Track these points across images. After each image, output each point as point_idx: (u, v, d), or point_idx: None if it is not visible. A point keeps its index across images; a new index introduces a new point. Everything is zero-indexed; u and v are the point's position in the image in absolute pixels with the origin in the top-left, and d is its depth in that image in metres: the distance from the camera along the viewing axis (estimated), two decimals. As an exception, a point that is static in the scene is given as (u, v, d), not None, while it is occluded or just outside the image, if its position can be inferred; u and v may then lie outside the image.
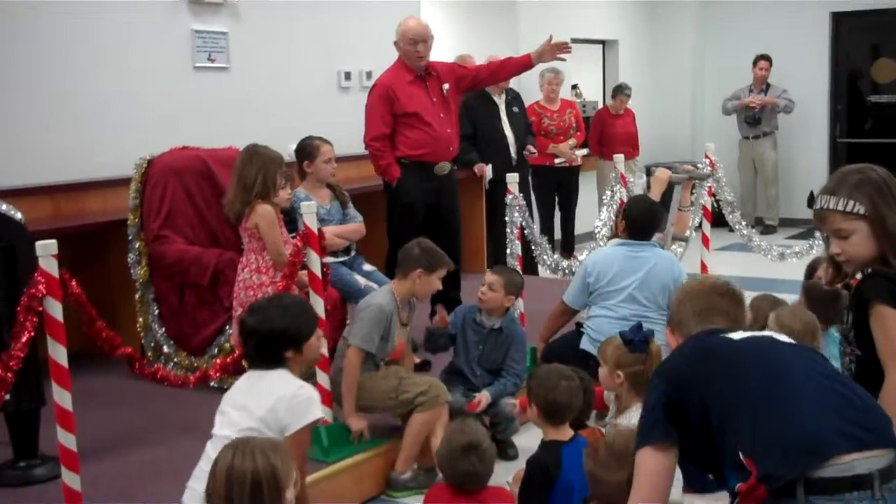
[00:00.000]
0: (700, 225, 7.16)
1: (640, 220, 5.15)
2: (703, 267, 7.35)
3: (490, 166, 7.89)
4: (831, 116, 12.15)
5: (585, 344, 4.97)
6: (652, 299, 4.94)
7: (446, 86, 6.09)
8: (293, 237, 4.70)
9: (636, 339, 3.89)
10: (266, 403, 3.16)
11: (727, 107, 11.57)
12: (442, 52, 8.23)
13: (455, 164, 6.19)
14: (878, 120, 12.18)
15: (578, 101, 10.61)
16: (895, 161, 10.53)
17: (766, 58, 11.47)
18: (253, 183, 4.67)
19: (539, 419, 3.65)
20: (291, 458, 2.63)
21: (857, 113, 12.24)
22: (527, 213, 5.88)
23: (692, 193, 6.79)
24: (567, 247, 9.39)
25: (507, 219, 5.70)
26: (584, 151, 9.66)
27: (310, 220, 4.25)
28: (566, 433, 3.61)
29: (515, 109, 8.42)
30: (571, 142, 9.20)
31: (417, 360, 5.16)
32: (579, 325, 5.25)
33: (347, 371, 4.32)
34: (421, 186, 5.85)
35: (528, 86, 9.46)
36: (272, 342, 3.28)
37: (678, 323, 2.73)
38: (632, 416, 3.72)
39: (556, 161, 9.06)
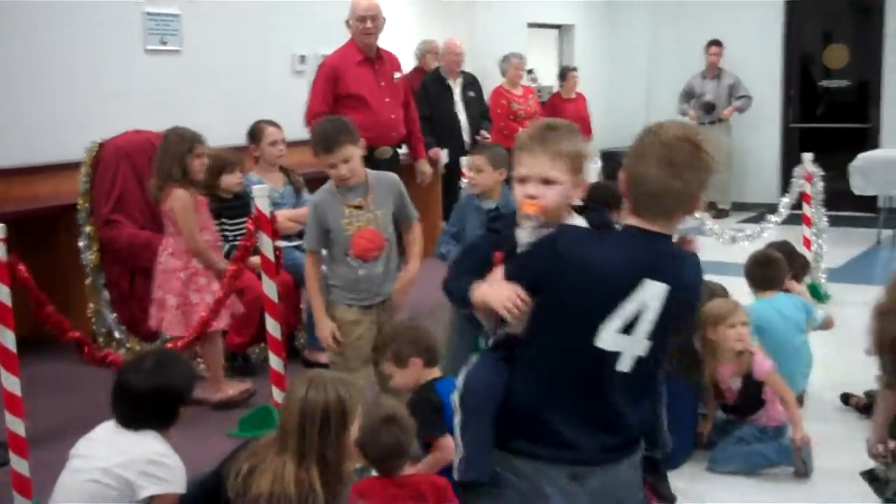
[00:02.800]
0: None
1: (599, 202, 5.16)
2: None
3: (446, 151, 7.91)
4: (784, 102, 12.27)
5: None
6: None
7: (398, 74, 6.09)
8: (244, 222, 4.68)
9: None
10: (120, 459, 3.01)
11: (681, 109, 11.65)
12: (399, 37, 8.22)
13: (398, 149, 6.19)
14: (829, 105, 12.33)
15: (534, 85, 10.63)
16: (846, 145, 10.86)
17: (718, 43, 11.57)
18: (167, 166, 4.65)
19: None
20: (359, 392, 2.91)
21: (810, 98, 12.38)
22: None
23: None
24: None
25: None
26: None
27: (261, 203, 4.23)
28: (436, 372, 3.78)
29: (471, 94, 8.42)
30: None
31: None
32: None
33: (306, 276, 4.22)
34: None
35: (483, 70, 9.47)
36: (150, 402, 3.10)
37: None
38: None
39: None
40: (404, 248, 4.37)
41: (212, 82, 7.21)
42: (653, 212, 2.31)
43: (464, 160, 5.73)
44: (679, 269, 2.31)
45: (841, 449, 4.44)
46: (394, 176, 4.28)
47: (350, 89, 5.87)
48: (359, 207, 4.07)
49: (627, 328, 2.27)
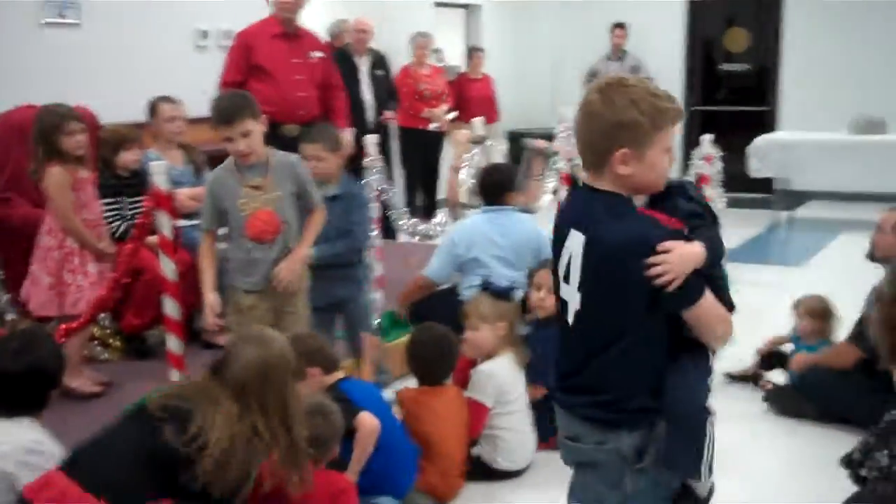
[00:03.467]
0: (556, 191, 7.29)
1: (493, 186, 5.23)
2: (560, 231, 7.50)
3: (349, 130, 7.86)
4: (686, 84, 12.50)
5: None
6: (521, 260, 5.04)
7: (318, 53, 6.04)
8: (142, 200, 4.60)
9: (503, 290, 4.42)
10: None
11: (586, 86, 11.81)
12: (311, 16, 8.13)
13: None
14: (730, 88, 12.60)
15: (441, 64, 10.63)
16: (745, 128, 11.11)
17: (622, 26, 11.73)
18: (40, 144, 4.50)
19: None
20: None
21: (711, 81, 12.64)
22: (385, 177, 5.89)
23: (547, 163, 6.90)
24: (429, 211, 9.44)
25: (363, 181, 5.70)
26: (455, 115, 9.71)
27: (159, 180, 4.17)
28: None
29: (379, 72, 8.39)
30: (444, 107, 9.24)
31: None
32: (454, 290, 5.28)
33: (200, 254, 4.10)
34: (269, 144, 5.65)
35: (397, 49, 9.44)
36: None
37: None
38: (494, 363, 4.28)
39: (431, 125, 9.07)
40: None
41: (112, 56, 7.05)
42: (585, 166, 2.40)
43: (367, 138, 5.74)
44: (604, 225, 2.29)
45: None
46: (296, 157, 4.18)
47: (258, 60, 5.82)
48: (257, 188, 3.95)
49: (566, 276, 2.38)
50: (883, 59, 11.08)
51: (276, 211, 3.97)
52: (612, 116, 2.26)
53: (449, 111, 9.43)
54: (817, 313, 5.08)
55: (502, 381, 4.22)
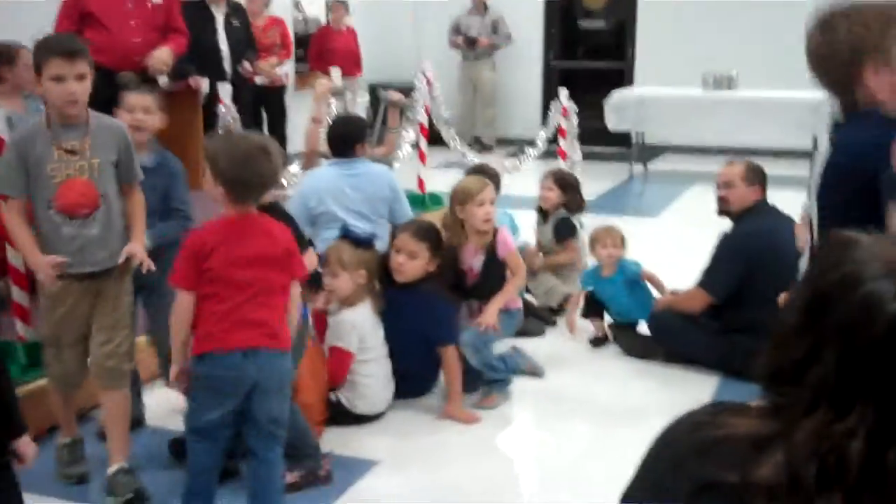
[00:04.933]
0: (417, 142, 7.30)
1: (342, 138, 5.13)
2: (421, 183, 7.53)
3: (206, 80, 7.68)
4: (545, 40, 12.62)
5: None
6: (375, 212, 5.01)
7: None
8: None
9: (364, 238, 4.33)
10: None
11: (451, 41, 11.80)
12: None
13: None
14: (589, 45, 12.80)
15: (300, 16, 10.48)
16: (603, 84, 11.30)
17: (484, -21, 11.75)
18: None
19: None
20: None
21: (570, 38, 12.80)
22: (240, 126, 5.79)
23: (403, 116, 6.90)
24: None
25: (219, 131, 5.60)
26: (285, 70, 9.53)
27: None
28: None
29: (235, 23, 8.20)
30: (273, 60, 9.05)
31: None
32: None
33: (7, 226, 3.57)
34: (102, 95, 5.23)
35: None
36: None
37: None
38: (355, 311, 4.23)
39: (257, 79, 8.87)
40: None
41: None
42: None
43: (220, 87, 5.62)
44: None
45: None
46: (121, 124, 3.64)
47: (90, 8, 5.62)
48: (72, 152, 3.40)
49: None
50: (734, 17, 11.38)
51: (93, 181, 3.42)
52: None
53: (279, 64, 9.25)
54: (619, 241, 5.25)
55: (363, 328, 4.22)
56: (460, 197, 4.50)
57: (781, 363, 1.18)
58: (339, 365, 4.19)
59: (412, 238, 4.33)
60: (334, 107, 6.41)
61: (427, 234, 4.40)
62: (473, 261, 4.54)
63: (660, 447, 1.31)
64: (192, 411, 3.15)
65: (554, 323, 5.50)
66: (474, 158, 7.99)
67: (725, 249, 4.80)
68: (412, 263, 4.33)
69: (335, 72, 6.83)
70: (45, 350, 3.61)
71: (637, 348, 5.08)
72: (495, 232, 4.53)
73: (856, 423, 1.08)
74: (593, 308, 5.29)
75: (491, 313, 4.42)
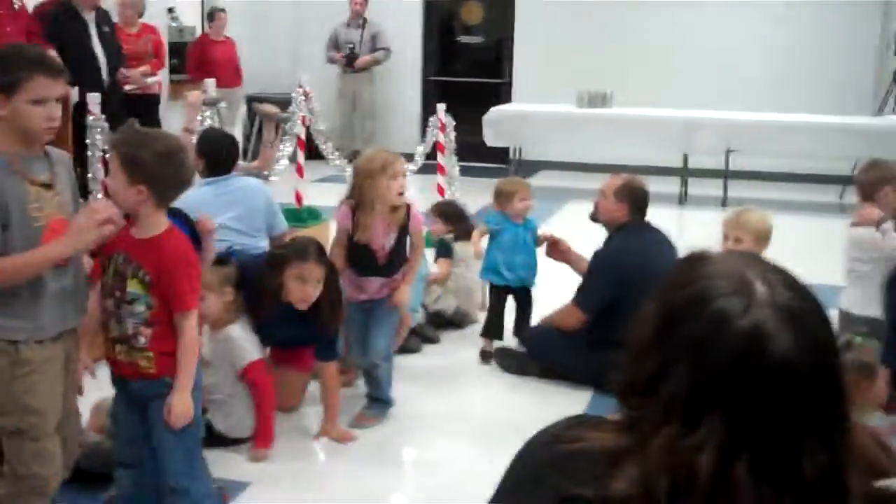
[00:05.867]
0: (294, 156, 7.25)
1: (216, 158, 4.99)
2: (298, 197, 7.46)
3: (76, 88, 7.46)
4: (424, 55, 12.69)
5: None
6: (254, 227, 4.92)
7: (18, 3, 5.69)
8: None
9: (220, 255, 4.21)
10: None
11: (329, 56, 11.74)
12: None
13: None
14: (468, 60, 12.91)
15: (175, 25, 10.30)
16: (482, 99, 11.40)
17: (363, -8, 11.74)
18: None
19: None
20: None
21: (449, 53, 12.89)
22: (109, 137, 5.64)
23: (279, 129, 6.85)
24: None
25: (87, 142, 5.45)
26: (155, 79, 9.34)
27: None
28: None
29: (106, 29, 8.01)
30: (143, 68, 8.87)
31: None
32: None
33: None
34: None
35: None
36: None
37: None
38: (231, 332, 4.11)
39: (127, 87, 8.66)
40: None
41: None
42: None
43: (90, 97, 5.47)
44: None
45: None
46: (63, 152, 3.11)
47: None
48: (48, 186, 2.87)
49: None
50: (609, 35, 11.63)
51: (67, 219, 2.92)
52: None
53: (151, 74, 9.06)
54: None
55: (237, 346, 4.14)
56: (367, 172, 4.23)
57: (635, 378, 1.20)
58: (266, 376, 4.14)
59: (318, 265, 4.09)
60: (209, 119, 6.30)
61: (323, 254, 4.23)
62: (385, 239, 4.34)
63: (519, 462, 1.32)
64: None
65: (436, 341, 5.54)
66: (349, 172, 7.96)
67: (597, 266, 4.89)
68: (319, 287, 4.13)
69: (209, 82, 6.71)
70: (15, 450, 2.91)
71: (513, 365, 5.13)
72: (408, 207, 4.39)
73: (705, 437, 1.10)
74: (494, 329, 5.36)
75: (404, 293, 4.41)
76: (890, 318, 3.76)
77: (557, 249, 5.39)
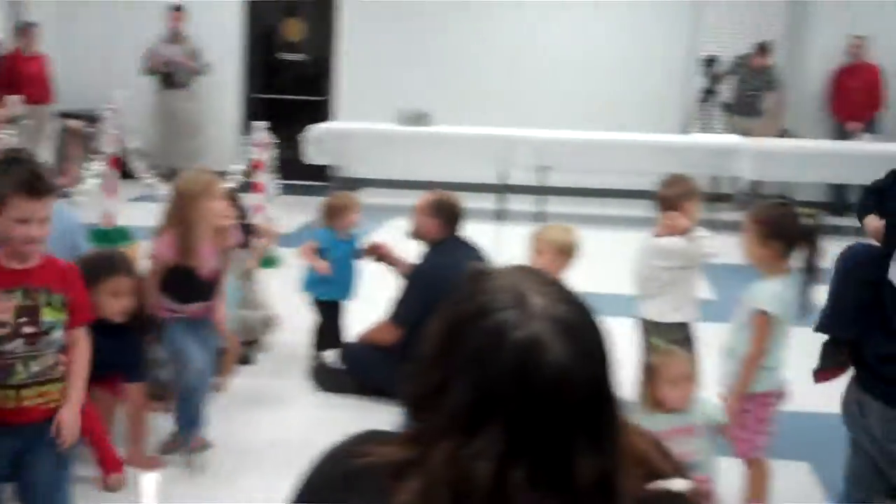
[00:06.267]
0: (103, 174, 7.04)
1: None
2: (107, 217, 7.24)
3: None
4: (244, 71, 12.53)
5: None
6: (66, 245, 4.70)
7: None
8: None
9: None
10: None
11: (147, 67, 11.45)
12: None
13: None
14: (289, 77, 12.82)
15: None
16: (304, 116, 11.35)
17: (180, 8, 11.51)
18: None
19: None
20: None
21: (270, 69, 12.77)
22: None
23: (85, 146, 6.67)
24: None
25: None
26: None
27: None
28: None
29: None
30: None
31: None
32: None
33: None
34: None
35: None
36: None
37: None
38: None
39: None
40: None
41: None
42: None
43: None
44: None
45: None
46: None
47: None
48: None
49: None
50: (428, 55, 11.79)
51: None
52: None
53: None
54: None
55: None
56: (192, 191, 4.12)
57: (421, 390, 1.22)
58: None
59: (128, 279, 4.01)
60: (15, 136, 6.07)
61: (131, 263, 4.14)
62: (211, 262, 4.25)
63: (308, 480, 1.32)
64: None
65: (249, 361, 5.47)
66: (165, 191, 7.79)
67: (411, 282, 4.95)
68: (132, 299, 4.01)
69: (13, 99, 6.46)
70: None
71: (330, 383, 5.12)
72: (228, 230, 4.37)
73: (484, 446, 1.12)
74: (328, 340, 5.36)
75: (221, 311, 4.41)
76: (831, 288, 3.67)
77: (380, 251, 5.42)
